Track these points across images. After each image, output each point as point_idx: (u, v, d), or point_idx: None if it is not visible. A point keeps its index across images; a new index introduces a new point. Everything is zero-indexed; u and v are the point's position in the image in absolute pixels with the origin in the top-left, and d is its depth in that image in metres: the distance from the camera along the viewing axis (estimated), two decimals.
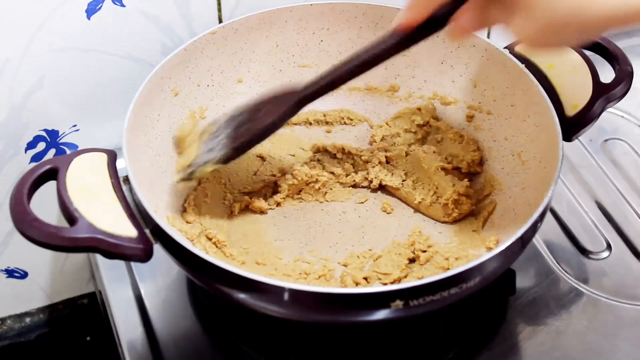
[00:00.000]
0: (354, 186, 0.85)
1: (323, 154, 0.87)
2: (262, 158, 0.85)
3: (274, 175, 0.83)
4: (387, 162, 0.85)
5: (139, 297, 0.81)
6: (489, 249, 0.75)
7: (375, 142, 0.87)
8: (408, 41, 0.70)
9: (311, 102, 0.76)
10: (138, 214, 0.68)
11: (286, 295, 0.64)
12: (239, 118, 0.79)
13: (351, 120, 0.91)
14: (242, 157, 0.80)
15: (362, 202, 0.83)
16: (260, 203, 0.81)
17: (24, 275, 0.99)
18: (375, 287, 0.63)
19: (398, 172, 0.84)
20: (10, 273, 0.98)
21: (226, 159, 0.77)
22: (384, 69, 0.90)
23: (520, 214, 0.76)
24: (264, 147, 0.85)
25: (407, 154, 0.85)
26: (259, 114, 0.78)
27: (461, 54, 0.86)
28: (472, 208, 0.80)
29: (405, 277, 0.75)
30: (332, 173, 0.85)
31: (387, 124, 0.89)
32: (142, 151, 0.77)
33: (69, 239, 0.64)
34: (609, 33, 0.71)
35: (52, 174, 0.68)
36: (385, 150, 0.85)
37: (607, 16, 0.59)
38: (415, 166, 0.84)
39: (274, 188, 0.84)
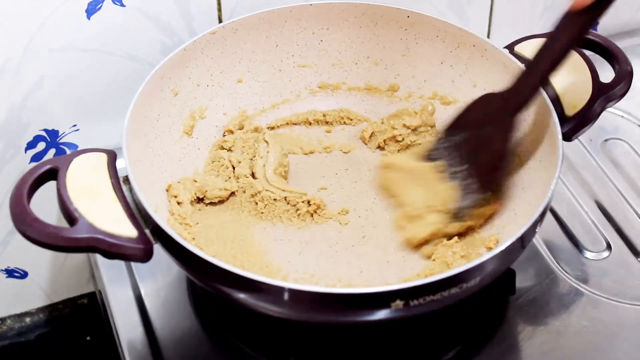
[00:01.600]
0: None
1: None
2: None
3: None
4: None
5: (139, 297, 0.81)
6: (489, 248, 0.75)
7: (365, 138, 0.88)
8: (590, 18, 0.67)
9: (525, 108, 0.75)
10: (138, 214, 0.68)
11: (286, 295, 0.64)
12: (461, 143, 0.78)
13: (351, 120, 0.90)
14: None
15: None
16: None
17: (24, 275, 0.99)
18: (375, 287, 0.63)
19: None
20: (10, 273, 0.98)
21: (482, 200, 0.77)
22: (383, 68, 0.90)
23: (520, 214, 0.76)
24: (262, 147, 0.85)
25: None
26: (483, 138, 0.76)
27: (461, 53, 0.86)
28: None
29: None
30: None
31: (382, 121, 0.89)
32: (142, 151, 0.77)
33: (69, 239, 0.64)
34: (609, 32, 0.71)
35: (52, 174, 0.68)
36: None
37: None
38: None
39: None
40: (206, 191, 0.81)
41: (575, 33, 0.70)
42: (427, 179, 0.80)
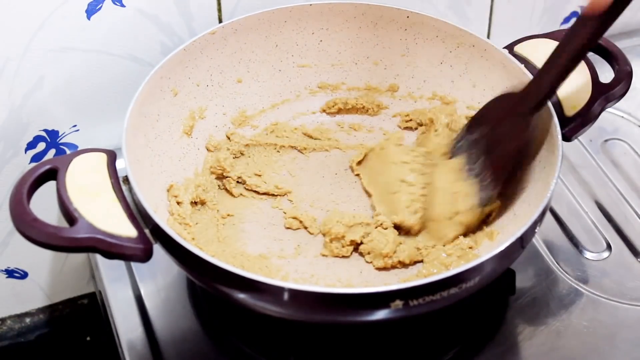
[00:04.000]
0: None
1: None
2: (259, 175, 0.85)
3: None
4: None
5: (139, 297, 0.81)
6: (489, 248, 0.75)
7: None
8: (605, 23, 0.69)
9: (539, 110, 0.75)
10: (138, 214, 0.68)
11: (286, 295, 0.64)
12: (478, 140, 0.79)
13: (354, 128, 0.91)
14: None
15: None
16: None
17: (24, 275, 0.99)
18: (375, 287, 0.63)
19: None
20: (10, 273, 0.98)
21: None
22: (383, 69, 0.90)
23: (520, 214, 0.76)
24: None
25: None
26: (498, 135, 0.77)
27: (460, 54, 0.86)
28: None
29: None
30: None
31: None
32: (142, 151, 0.77)
33: (69, 239, 0.64)
34: (608, 33, 0.71)
35: (52, 174, 0.68)
36: None
37: None
38: None
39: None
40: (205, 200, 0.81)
41: (588, 37, 0.70)
42: (444, 178, 0.81)
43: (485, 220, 0.79)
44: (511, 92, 0.78)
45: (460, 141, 0.81)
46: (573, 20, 0.73)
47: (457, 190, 0.79)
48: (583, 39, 0.70)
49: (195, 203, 0.81)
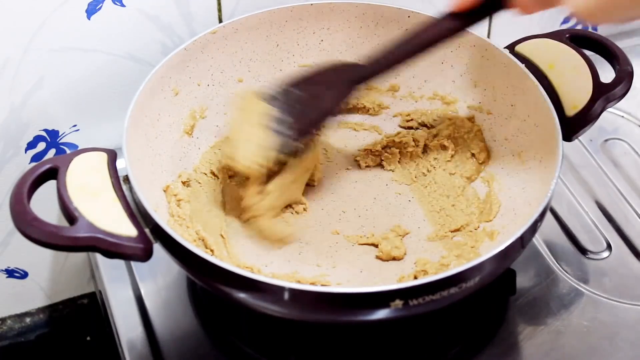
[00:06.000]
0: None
1: None
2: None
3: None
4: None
5: (139, 297, 0.81)
6: (489, 247, 0.75)
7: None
8: (465, 23, 0.71)
9: (367, 82, 0.77)
10: (138, 213, 0.68)
11: (286, 295, 0.64)
12: (295, 94, 0.78)
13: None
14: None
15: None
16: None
17: (24, 275, 0.99)
18: (375, 287, 0.63)
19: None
20: (10, 273, 0.98)
21: (293, 153, 0.78)
22: None
23: (520, 214, 0.76)
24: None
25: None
26: (315, 93, 0.78)
27: (461, 53, 0.86)
28: None
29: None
30: None
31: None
32: (142, 151, 0.77)
33: (69, 238, 0.64)
34: (609, 32, 0.71)
35: (52, 174, 0.68)
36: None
37: None
38: None
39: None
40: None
41: (444, 32, 0.73)
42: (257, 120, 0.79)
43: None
44: (347, 63, 0.79)
45: (280, 92, 0.79)
46: (573, 20, 0.73)
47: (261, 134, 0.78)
48: (440, 32, 0.73)
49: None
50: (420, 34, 0.74)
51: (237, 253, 0.77)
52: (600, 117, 0.78)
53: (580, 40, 0.82)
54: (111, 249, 0.64)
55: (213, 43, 0.84)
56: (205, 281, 0.69)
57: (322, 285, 0.74)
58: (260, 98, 0.79)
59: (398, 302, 0.63)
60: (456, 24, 0.71)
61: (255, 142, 0.77)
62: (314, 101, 0.78)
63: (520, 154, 0.81)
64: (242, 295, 0.67)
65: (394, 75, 0.90)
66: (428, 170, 0.85)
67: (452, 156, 0.85)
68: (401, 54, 0.75)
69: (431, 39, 0.73)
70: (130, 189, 0.70)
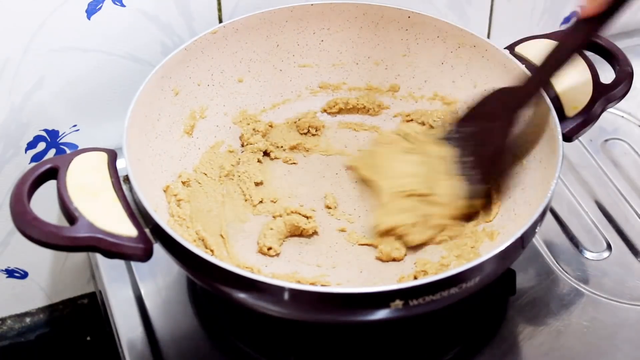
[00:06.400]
0: None
1: None
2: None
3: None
4: None
5: (139, 297, 0.81)
6: (489, 248, 0.75)
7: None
8: (599, 26, 0.72)
9: (526, 106, 0.77)
10: (138, 213, 0.68)
11: (286, 295, 0.64)
12: (471, 135, 0.80)
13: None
14: None
15: None
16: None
17: (24, 275, 0.99)
18: (375, 287, 0.63)
19: None
20: (10, 273, 0.98)
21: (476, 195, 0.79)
22: (384, 69, 0.90)
23: (520, 214, 0.76)
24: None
25: None
26: (484, 127, 0.79)
27: (461, 54, 0.86)
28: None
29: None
30: None
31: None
32: (142, 151, 0.77)
33: (69, 238, 0.64)
34: (608, 33, 0.71)
35: (52, 173, 0.68)
36: None
37: None
38: None
39: None
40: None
41: (580, 39, 0.74)
42: (432, 162, 0.81)
43: (470, 217, 0.79)
44: (505, 88, 0.79)
45: (452, 132, 0.81)
46: (573, 20, 0.73)
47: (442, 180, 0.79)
48: (574, 42, 0.74)
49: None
50: (560, 46, 0.75)
51: (237, 253, 0.78)
52: (600, 117, 0.79)
53: None
54: (111, 249, 0.64)
55: (213, 43, 0.84)
56: (205, 281, 0.69)
57: (322, 285, 0.74)
58: (437, 139, 0.81)
59: (398, 303, 0.63)
60: (591, 28, 0.72)
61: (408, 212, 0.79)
62: (485, 135, 0.79)
63: (520, 154, 0.81)
64: (242, 296, 0.67)
65: (394, 75, 0.90)
66: None
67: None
68: (548, 70, 0.76)
69: (571, 49, 0.74)
70: (130, 189, 0.70)
